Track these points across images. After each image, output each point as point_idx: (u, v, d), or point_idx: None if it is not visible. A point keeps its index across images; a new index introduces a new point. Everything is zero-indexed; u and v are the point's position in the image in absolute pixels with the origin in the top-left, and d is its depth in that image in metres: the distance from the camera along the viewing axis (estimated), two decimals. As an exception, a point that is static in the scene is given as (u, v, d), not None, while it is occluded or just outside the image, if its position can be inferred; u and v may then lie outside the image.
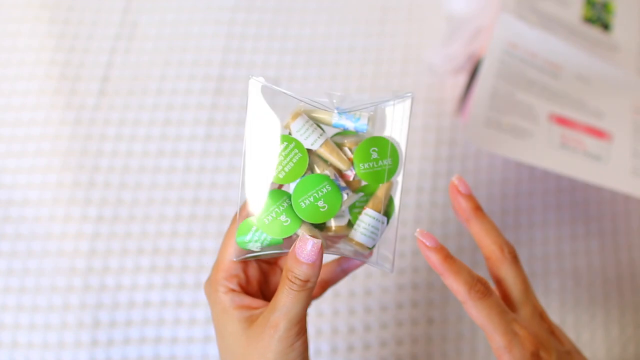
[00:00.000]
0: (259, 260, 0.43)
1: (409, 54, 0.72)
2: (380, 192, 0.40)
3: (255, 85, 0.39)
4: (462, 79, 0.69)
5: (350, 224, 0.40)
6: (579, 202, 0.67)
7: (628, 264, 0.66)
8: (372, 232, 0.40)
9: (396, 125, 0.40)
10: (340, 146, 0.40)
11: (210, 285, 0.41)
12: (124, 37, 0.71)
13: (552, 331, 0.43)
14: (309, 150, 0.39)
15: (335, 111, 0.39)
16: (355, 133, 0.40)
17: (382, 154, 0.39)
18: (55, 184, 0.64)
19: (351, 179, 0.40)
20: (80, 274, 0.61)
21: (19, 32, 0.70)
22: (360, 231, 0.40)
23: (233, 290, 0.40)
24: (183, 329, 0.60)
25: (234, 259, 0.41)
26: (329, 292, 0.62)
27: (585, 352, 0.62)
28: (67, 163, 0.65)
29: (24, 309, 0.60)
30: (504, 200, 0.67)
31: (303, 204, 0.38)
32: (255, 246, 0.40)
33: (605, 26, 0.62)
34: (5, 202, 0.63)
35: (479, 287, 0.40)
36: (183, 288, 0.62)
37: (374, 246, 0.40)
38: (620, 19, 0.64)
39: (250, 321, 0.39)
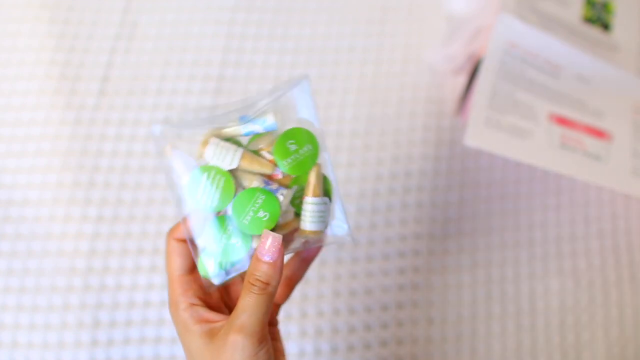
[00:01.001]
0: None
1: (409, 54, 0.72)
2: (312, 177, 0.40)
3: (157, 136, 0.40)
4: (462, 79, 0.69)
5: (297, 215, 0.41)
6: (578, 203, 0.67)
7: (628, 265, 0.66)
8: (320, 216, 0.40)
9: (302, 109, 0.40)
10: (258, 152, 0.40)
11: (171, 306, 0.41)
12: (124, 37, 0.71)
13: None
14: (231, 170, 0.39)
15: (240, 122, 0.40)
16: (269, 133, 0.40)
17: (300, 143, 0.40)
18: (55, 184, 0.64)
19: (280, 177, 0.40)
20: (80, 274, 0.61)
21: (19, 32, 0.70)
22: (308, 220, 0.40)
23: (193, 305, 0.40)
24: (183, 329, 0.60)
25: (216, 284, 0.41)
26: (329, 292, 0.62)
27: (585, 352, 0.62)
28: (67, 163, 0.65)
29: (24, 309, 0.60)
30: (504, 200, 0.67)
31: (246, 221, 0.39)
32: (220, 274, 0.40)
33: (605, 26, 0.62)
34: (5, 202, 0.63)
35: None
36: (183, 288, 0.61)
37: (325, 228, 0.41)
38: (620, 19, 0.64)
39: (212, 334, 0.39)
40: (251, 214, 0.39)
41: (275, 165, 0.40)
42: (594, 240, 0.66)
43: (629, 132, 0.62)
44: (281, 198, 0.39)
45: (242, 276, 0.45)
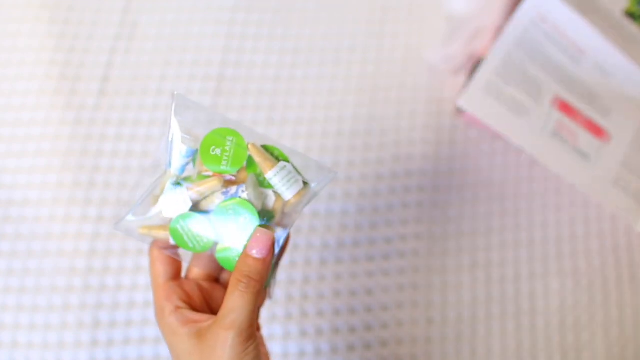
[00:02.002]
0: (197, 278, 0.44)
1: (409, 54, 0.72)
2: (255, 157, 0.40)
3: (123, 231, 0.42)
4: (462, 79, 0.69)
5: (277, 195, 0.41)
6: (578, 203, 0.67)
7: (628, 265, 0.66)
8: (289, 180, 0.40)
9: (192, 116, 0.41)
10: (202, 177, 0.41)
11: (157, 313, 0.41)
12: (124, 37, 0.71)
13: None
14: (193, 209, 0.40)
15: (167, 169, 0.41)
16: (195, 157, 0.41)
17: (219, 143, 0.40)
18: (55, 184, 0.64)
19: (235, 178, 0.41)
20: (80, 274, 0.61)
21: (19, 32, 0.70)
22: (284, 190, 0.40)
23: (179, 308, 0.40)
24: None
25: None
26: (330, 292, 0.62)
27: (585, 352, 0.62)
28: (67, 163, 0.65)
29: (24, 309, 0.60)
30: (504, 201, 0.67)
31: (236, 229, 0.39)
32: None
33: None
34: (5, 202, 0.63)
35: None
36: (183, 288, 0.61)
37: (305, 182, 0.41)
38: None
39: (200, 335, 0.39)
40: (234, 225, 0.39)
41: (220, 175, 0.40)
42: (594, 240, 0.66)
43: (629, 138, 0.61)
44: (244, 195, 0.40)
45: (225, 281, 0.46)
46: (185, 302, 0.41)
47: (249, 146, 0.40)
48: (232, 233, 0.40)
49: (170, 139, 0.40)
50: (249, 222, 0.39)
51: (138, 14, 0.72)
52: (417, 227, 0.65)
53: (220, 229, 0.40)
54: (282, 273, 0.62)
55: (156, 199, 0.41)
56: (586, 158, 0.60)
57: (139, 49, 0.71)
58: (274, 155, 0.41)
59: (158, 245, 0.42)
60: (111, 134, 0.66)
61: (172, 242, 0.41)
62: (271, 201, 0.41)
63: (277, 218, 0.41)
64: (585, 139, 0.60)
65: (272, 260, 0.39)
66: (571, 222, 0.67)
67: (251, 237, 0.39)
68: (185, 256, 0.43)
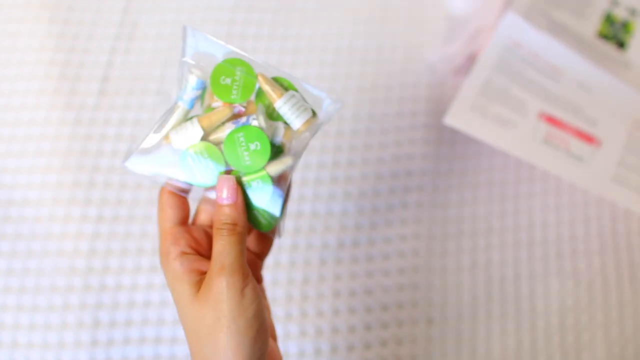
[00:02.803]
0: (205, 225, 0.44)
1: (409, 54, 0.72)
2: (264, 87, 0.40)
3: (131, 170, 0.41)
4: (462, 79, 0.69)
5: (287, 124, 0.41)
6: (578, 203, 0.67)
7: (628, 265, 0.66)
8: (298, 108, 0.40)
9: (205, 48, 0.40)
10: (211, 109, 0.40)
11: (161, 257, 0.41)
12: (124, 37, 0.71)
13: None
14: (204, 139, 0.40)
15: (177, 102, 0.40)
16: (205, 90, 0.41)
17: (229, 73, 0.40)
18: (55, 184, 0.64)
19: (243, 110, 0.40)
20: (80, 274, 0.61)
21: (19, 32, 0.70)
22: (293, 118, 0.40)
23: (184, 254, 0.40)
24: (183, 329, 0.60)
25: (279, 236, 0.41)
26: (329, 292, 0.62)
27: (585, 352, 0.62)
28: (67, 163, 0.65)
29: (24, 309, 0.60)
30: (504, 201, 0.67)
31: (248, 162, 0.39)
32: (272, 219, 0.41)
33: (621, 44, 0.59)
34: (5, 202, 0.63)
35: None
36: (183, 288, 0.61)
37: (313, 112, 0.41)
38: (638, 40, 0.61)
39: (200, 283, 0.39)
40: (245, 153, 0.39)
41: (230, 105, 0.40)
42: (594, 240, 0.66)
43: (621, 143, 0.60)
44: (254, 122, 0.39)
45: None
46: (192, 247, 0.41)
47: (259, 76, 0.40)
48: (243, 161, 0.39)
49: (180, 72, 0.40)
50: (259, 149, 0.39)
51: (138, 14, 0.72)
52: (417, 227, 0.65)
53: (228, 155, 0.39)
54: (282, 273, 0.62)
55: (167, 135, 0.40)
56: (581, 160, 0.60)
57: (139, 49, 0.71)
58: (283, 85, 0.41)
59: (169, 188, 0.42)
60: (111, 134, 0.66)
61: (181, 175, 0.40)
62: (280, 133, 0.40)
63: (287, 150, 0.41)
64: (577, 145, 0.60)
65: (243, 202, 0.39)
66: (571, 222, 0.67)
67: (217, 186, 0.39)
68: (195, 198, 0.43)
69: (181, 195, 0.42)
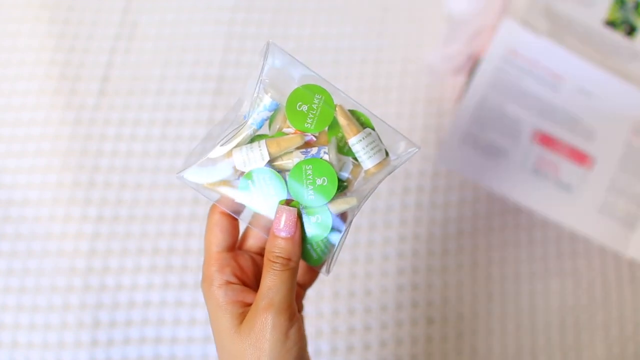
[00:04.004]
0: (251, 252, 0.42)
1: (409, 54, 0.72)
2: (340, 120, 0.38)
3: (185, 182, 0.39)
4: (462, 79, 0.69)
5: (355, 164, 0.39)
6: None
7: (628, 265, 0.66)
8: (372, 148, 0.38)
9: (287, 69, 0.39)
10: (281, 133, 0.39)
11: (204, 282, 0.40)
12: (124, 37, 0.71)
13: None
14: (270, 164, 0.38)
15: (247, 120, 0.38)
16: (277, 111, 0.39)
17: (307, 100, 0.38)
18: (55, 184, 0.64)
19: (315, 140, 0.39)
20: (80, 274, 0.61)
21: (19, 32, 0.70)
22: (365, 158, 0.38)
23: (228, 283, 0.39)
24: (183, 329, 0.60)
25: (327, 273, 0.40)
26: (329, 292, 0.62)
27: (585, 352, 0.62)
28: (67, 163, 0.65)
29: (24, 309, 0.60)
30: (504, 200, 0.67)
31: (311, 197, 0.37)
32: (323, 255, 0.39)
33: (631, 29, 0.57)
34: (5, 202, 0.63)
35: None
36: (183, 288, 0.62)
37: (387, 153, 0.39)
38: None
39: (244, 317, 0.38)
40: (310, 187, 0.37)
41: (302, 133, 0.38)
42: (594, 240, 0.66)
43: (615, 158, 0.59)
44: (325, 156, 0.37)
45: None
46: (237, 276, 0.40)
47: (337, 107, 0.38)
48: (306, 196, 0.37)
49: (256, 90, 0.38)
50: (325, 185, 0.37)
51: (138, 14, 0.72)
52: (416, 227, 0.65)
53: (292, 185, 0.37)
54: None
55: (230, 152, 0.38)
56: (569, 190, 0.60)
57: (139, 49, 0.71)
58: (360, 121, 0.39)
59: (220, 207, 0.40)
60: (111, 134, 0.66)
61: (238, 197, 0.38)
62: (348, 169, 0.39)
63: (352, 188, 0.39)
64: (567, 169, 0.60)
65: (300, 237, 0.37)
66: (571, 222, 0.67)
67: (275, 215, 0.37)
68: (245, 219, 0.41)
69: (233, 218, 0.40)
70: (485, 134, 0.59)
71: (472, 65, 0.65)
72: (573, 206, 0.59)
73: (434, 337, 0.62)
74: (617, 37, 0.56)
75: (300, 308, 0.43)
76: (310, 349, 0.60)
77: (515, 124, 0.59)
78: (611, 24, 0.56)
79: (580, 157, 0.59)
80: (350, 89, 0.70)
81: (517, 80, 0.58)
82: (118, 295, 0.61)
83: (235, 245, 0.41)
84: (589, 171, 0.59)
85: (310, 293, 0.62)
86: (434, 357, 0.61)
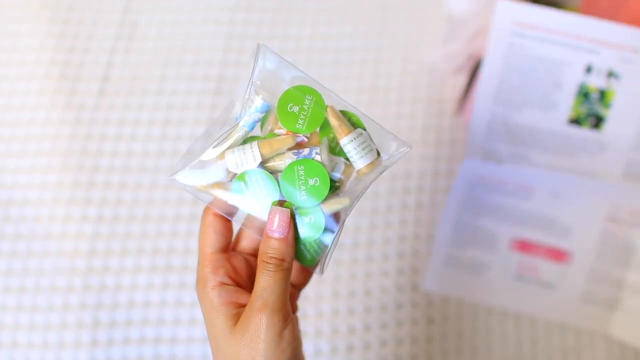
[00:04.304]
0: (245, 253, 0.43)
1: (409, 54, 0.72)
2: (332, 121, 0.38)
3: (178, 184, 0.39)
4: (462, 79, 0.69)
5: (347, 164, 0.39)
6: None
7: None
8: (364, 148, 0.39)
9: (278, 71, 0.39)
10: (273, 135, 0.39)
11: (198, 283, 0.40)
12: (124, 37, 0.71)
13: None
14: (262, 165, 0.38)
15: (238, 122, 0.38)
16: (268, 113, 0.39)
17: (298, 101, 0.38)
18: (55, 184, 0.64)
19: (306, 140, 0.39)
20: (80, 274, 0.61)
21: (19, 32, 0.70)
22: (357, 158, 0.39)
23: (222, 284, 0.39)
24: (183, 329, 0.60)
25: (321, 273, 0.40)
26: (329, 292, 0.62)
27: (585, 352, 0.62)
28: (67, 163, 0.65)
29: (24, 309, 0.60)
30: (504, 200, 0.67)
31: (304, 197, 0.38)
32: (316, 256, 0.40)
33: (598, 121, 0.55)
34: (5, 202, 0.63)
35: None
36: (183, 288, 0.62)
37: (378, 153, 0.39)
38: (616, 111, 0.56)
39: (238, 318, 0.38)
40: (302, 188, 0.38)
41: (294, 134, 0.38)
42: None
43: (593, 248, 0.60)
44: (317, 157, 0.38)
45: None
46: (231, 277, 0.40)
47: (328, 108, 0.38)
48: (299, 198, 0.38)
49: (247, 92, 0.38)
50: (317, 185, 0.38)
51: (138, 14, 0.72)
52: (416, 227, 0.65)
53: (285, 186, 0.37)
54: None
55: (222, 154, 0.38)
56: (551, 287, 0.62)
57: (139, 49, 0.71)
58: (351, 121, 0.39)
59: (214, 209, 0.40)
60: (111, 134, 0.67)
61: (231, 199, 0.38)
62: (340, 169, 0.39)
63: (344, 188, 0.39)
64: (547, 269, 0.61)
65: (294, 237, 0.38)
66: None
67: (269, 216, 0.37)
68: (238, 220, 0.41)
69: (226, 219, 0.40)
70: (465, 252, 0.61)
71: (472, 65, 0.66)
72: (555, 300, 0.62)
73: (434, 337, 0.62)
74: (583, 132, 0.55)
75: (294, 309, 0.43)
76: (310, 348, 0.60)
77: (492, 237, 0.61)
78: (575, 121, 0.55)
79: (558, 255, 0.61)
80: (350, 89, 0.70)
81: (487, 200, 0.59)
82: (118, 295, 0.61)
83: (229, 246, 0.41)
84: (568, 266, 0.61)
85: (310, 293, 0.62)
86: (434, 357, 0.61)
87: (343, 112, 0.39)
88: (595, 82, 0.53)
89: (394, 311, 0.62)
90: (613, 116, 0.54)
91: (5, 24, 0.71)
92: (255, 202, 0.38)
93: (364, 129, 0.39)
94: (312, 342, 0.61)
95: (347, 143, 0.38)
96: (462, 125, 0.69)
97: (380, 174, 0.40)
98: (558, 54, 0.52)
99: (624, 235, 0.60)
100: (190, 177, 0.39)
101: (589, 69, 0.53)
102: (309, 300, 0.62)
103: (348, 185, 0.40)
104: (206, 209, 0.40)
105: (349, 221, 0.65)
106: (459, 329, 0.62)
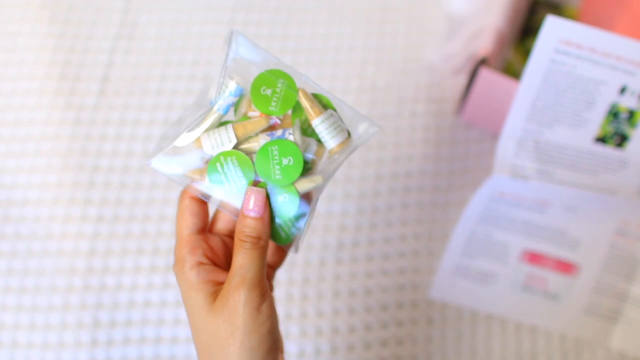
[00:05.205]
0: (221, 234, 0.43)
1: (409, 54, 0.72)
2: (303, 102, 0.40)
3: (154, 169, 0.40)
4: (462, 79, 0.69)
5: (319, 145, 0.41)
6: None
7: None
8: (335, 128, 0.40)
9: (251, 56, 0.40)
10: (247, 117, 0.40)
11: (176, 264, 0.41)
12: (124, 37, 0.71)
13: None
14: (237, 148, 0.39)
15: (213, 106, 0.39)
16: (242, 97, 0.40)
17: (270, 84, 0.39)
18: (55, 184, 0.64)
19: (279, 122, 0.40)
20: (80, 274, 0.61)
21: (19, 32, 0.70)
22: (328, 138, 0.40)
23: (200, 264, 0.40)
24: (183, 329, 0.60)
25: (295, 251, 0.41)
26: (329, 292, 0.62)
27: (585, 352, 0.62)
28: (67, 163, 0.65)
29: (24, 309, 0.60)
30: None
31: (278, 176, 0.39)
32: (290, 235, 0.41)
33: (622, 140, 0.55)
34: (5, 202, 0.63)
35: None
36: (183, 288, 0.61)
37: (349, 133, 0.41)
38: None
39: (216, 296, 0.39)
40: (277, 167, 0.39)
41: (267, 116, 0.39)
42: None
43: (600, 261, 0.61)
44: (290, 137, 0.39)
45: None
46: (208, 257, 0.41)
47: (300, 91, 0.40)
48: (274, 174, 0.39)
49: (221, 76, 0.39)
50: (291, 165, 0.39)
51: (138, 14, 0.72)
52: (417, 227, 0.65)
53: (260, 166, 0.39)
54: (281, 274, 0.62)
55: (198, 139, 0.40)
56: (557, 299, 0.62)
57: (139, 49, 0.71)
58: (322, 103, 0.41)
59: (190, 192, 0.41)
60: (111, 134, 0.66)
61: (206, 181, 0.39)
62: (312, 150, 0.40)
63: (316, 168, 0.41)
64: (554, 280, 0.62)
65: (269, 216, 0.39)
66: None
67: (245, 196, 0.38)
68: (214, 202, 0.42)
69: (203, 202, 0.41)
70: (476, 262, 0.62)
71: (472, 65, 0.66)
72: (559, 312, 0.63)
73: (434, 337, 0.62)
74: (607, 150, 0.56)
75: (270, 288, 0.44)
76: (311, 348, 0.60)
77: (503, 249, 0.62)
78: (601, 139, 0.55)
79: (566, 267, 0.62)
80: (350, 89, 0.70)
81: (504, 214, 0.60)
82: (118, 295, 0.61)
83: (205, 227, 0.42)
84: (574, 278, 0.62)
85: (311, 292, 0.62)
86: (434, 357, 0.61)
87: (314, 95, 0.40)
88: (627, 102, 0.54)
89: (394, 311, 0.62)
90: (637, 135, 0.55)
91: (5, 24, 0.71)
92: (231, 183, 0.39)
93: (335, 110, 0.41)
94: (312, 341, 0.61)
95: (319, 124, 0.40)
96: (463, 125, 0.69)
97: (351, 153, 0.41)
98: (597, 73, 0.52)
99: (631, 249, 0.61)
100: (165, 163, 0.40)
101: (623, 90, 0.53)
102: (309, 300, 0.62)
103: (320, 165, 0.41)
104: (183, 192, 0.41)
105: (350, 220, 0.65)
106: (458, 329, 0.62)
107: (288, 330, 0.61)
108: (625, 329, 0.62)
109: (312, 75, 0.70)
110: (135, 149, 0.66)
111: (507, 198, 0.59)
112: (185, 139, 0.39)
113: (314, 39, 0.72)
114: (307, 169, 0.40)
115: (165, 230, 0.63)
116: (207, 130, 0.39)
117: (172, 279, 0.62)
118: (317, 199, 0.41)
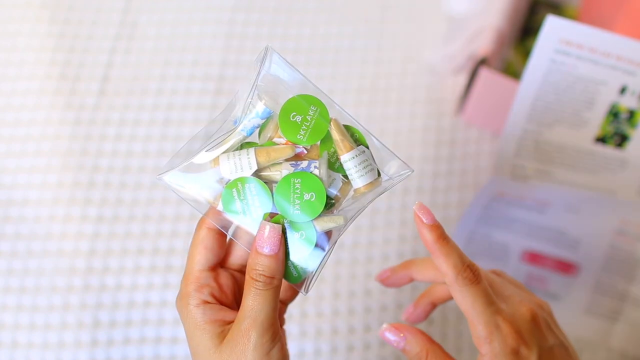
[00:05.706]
0: (231, 268, 0.41)
1: (409, 54, 0.72)
2: (334, 134, 0.37)
3: (166, 184, 0.38)
4: (462, 79, 0.69)
5: (345, 181, 0.38)
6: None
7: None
8: (364, 167, 0.37)
9: (285, 77, 0.37)
10: (271, 143, 0.37)
11: (180, 300, 0.38)
12: (124, 37, 0.71)
13: (538, 325, 0.42)
14: (257, 174, 0.37)
15: (237, 126, 0.37)
16: (269, 119, 0.37)
17: (301, 110, 0.36)
18: (55, 184, 0.64)
19: (306, 152, 0.37)
20: (80, 274, 0.61)
21: (19, 32, 0.70)
22: (356, 177, 0.37)
23: (206, 302, 0.38)
24: (183, 329, 0.60)
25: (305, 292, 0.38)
26: (329, 292, 0.62)
27: (585, 352, 0.62)
28: (67, 163, 0.65)
29: (24, 309, 0.60)
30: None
31: (297, 211, 0.36)
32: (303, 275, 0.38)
33: (622, 140, 0.55)
34: (5, 202, 0.63)
35: (467, 273, 0.39)
36: (183, 288, 0.61)
37: (377, 175, 0.38)
38: None
39: (223, 337, 0.37)
40: (297, 201, 0.36)
41: (293, 145, 0.36)
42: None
43: (600, 261, 0.61)
44: (316, 171, 0.36)
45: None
46: (215, 297, 0.38)
47: (332, 121, 0.37)
48: (292, 212, 0.36)
49: (250, 96, 0.36)
50: (313, 201, 0.36)
51: (138, 14, 0.72)
52: (415, 228, 0.65)
53: (279, 198, 0.36)
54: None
55: (216, 159, 0.37)
56: (557, 298, 0.62)
57: (139, 49, 0.71)
58: (354, 137, 0.38)
59: (209, 221, 0.38)
60: (111, 134, 0.67)
61: (219, 206, 0.37)
62: (337, 186, 0.37)
63: (339, 206, 0.38)
64: (554, 280, 0.62)
65: (284, 254, 0.36)
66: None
67: (258, 231, 0.36)
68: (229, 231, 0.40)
69: (220, 234, 0.39)
70: (476, 262, 0.61)
71: (473, 65, 0.66)
72: (560, 312, 0.62)
73: (434, 337, 0.62)
74: (607, 150, 0.56)
75: (282, 323, 0.42)
76: (311, 348, 0.60)
77: (504, 249, 0.61)
78: (601, 139, 0.55)
79: (566, 267, 0.61)
80: (350, 89, 0.70)
81: (503, 214, 0.59)
82: (118, 295, 0.61)
83: (218, 263, 0.40)
84: (575, 278, 0.62)
85: (311, 293, 0.62)
86: (434, 357, 0.61)
87: (347, 127, 0.38)
88: (627, 102, 0.53)
89: (394, 311, 0.62)
90: (637, 135, 0.55)
91: (5, 24, 0.71)
92: (246, 213, 0.37)
93: (367, 147, 0.38)
94: (312, 341, 0.61)
95: (348, 160, 0.37)
96: (463, 125, 0.69)
97: (379, 195, 0.38)
98: (598, 73, 0.52)
99: (631, 249, 0.60)
100: (179, 180, 0.37)
101: (623, 90, 0.53)
102: (308, 300, 0.62)
103: (344, 203, 0.38)
104: (200, 222, 0.39)
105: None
106: (458, 329, 0.62)
107: (288, 330, 0.61)
108: (626, 329, 0.62)
109: (312, 76, 0.70)
110: (135, 149, 0.66)
111: (507, 198, 0.59)
112: (202, 158, 0.37)
113: (314, 39, 0.72)
114: (330, 205, 0.37)
115: (165, 230, 0.63)
116: (227, 151, 0.37)
117: (172, 279, 0.62)
118: (337, 240, 0.38)
